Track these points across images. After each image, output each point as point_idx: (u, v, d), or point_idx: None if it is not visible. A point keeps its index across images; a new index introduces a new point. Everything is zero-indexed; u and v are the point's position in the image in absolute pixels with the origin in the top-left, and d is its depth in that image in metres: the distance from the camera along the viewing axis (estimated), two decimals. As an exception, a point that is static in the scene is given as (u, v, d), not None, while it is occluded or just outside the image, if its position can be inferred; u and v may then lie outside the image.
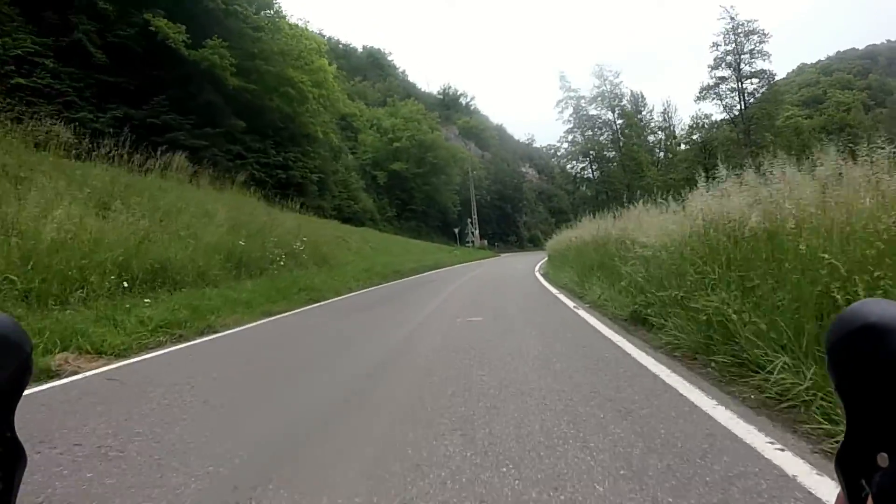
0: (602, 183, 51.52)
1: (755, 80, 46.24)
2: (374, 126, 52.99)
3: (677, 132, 58.17)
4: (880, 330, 0.45)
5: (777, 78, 49.89)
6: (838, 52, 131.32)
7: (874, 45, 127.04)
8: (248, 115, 28.06)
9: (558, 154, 61.20)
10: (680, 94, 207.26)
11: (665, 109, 59.49)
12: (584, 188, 57.56)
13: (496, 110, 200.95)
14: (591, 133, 54.99)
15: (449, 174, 54.26)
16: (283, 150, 30.97)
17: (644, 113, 61.46)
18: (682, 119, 76.83)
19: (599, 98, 56.32)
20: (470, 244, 51.24)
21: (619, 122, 55.67)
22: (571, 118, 56.63)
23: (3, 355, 0.51)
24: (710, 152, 51.82)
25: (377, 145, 50.95)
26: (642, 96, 61.69)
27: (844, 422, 0.49)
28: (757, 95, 47.19)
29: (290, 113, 31.62)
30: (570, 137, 56.91)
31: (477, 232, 50.63)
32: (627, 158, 53.02)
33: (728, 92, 48.95)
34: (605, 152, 52.37)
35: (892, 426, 0.44)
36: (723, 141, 50.89)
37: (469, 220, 42.44)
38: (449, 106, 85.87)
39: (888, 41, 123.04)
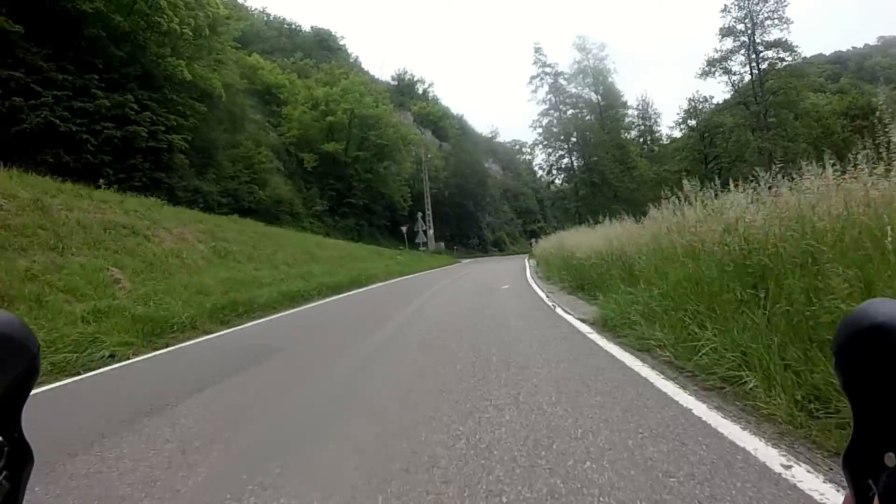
0: (589, 172, 41.61)
1: (772, 53, 37.30)
2: (303, 97, 41.77)
3: (657, 128, 49.52)
4: (888, 330, 0.45)
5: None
6: (804, 58, 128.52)
7: (840, 51, 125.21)
8: (37, 18, 16.66)
9: (526, 150, 51.32)
10: (659, 97, 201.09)
11: (641, 104, 50.33)
12: (559, 182, 47.60)
13: (457, 102, 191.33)
14: (573, 112, 45.20)
15: (398, 161, 43.51)
16: (123, 94, 19.57)
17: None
18: (661, 114, 68.26)
19: (581, 75, 46.84)
20: (423, 247, 40.64)
21: (603, 103, 46.19)
22: (548, 98, 46.88)
23: (9, 356, 0.52)
24: (710, 140, 43.14)
25: (305, 119, 39.73)
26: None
27: (852, 422, 0.49)
28: (776, 69, 38.30)
29: (138, 40, 20.29)
30: (544, 121, 47.12)
31: (431, 232, 40.20)
32: (614, 146, 43.48)
33: (739, 67, 40.15)
34: (588, 135, 42.55)
35: None
36: (729, 127, 41.87)
37: (420, 214, 31.82)
38: (404, 92, 75.18)
39: (854, 48, 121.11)
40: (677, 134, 48.53)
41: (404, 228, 32.23)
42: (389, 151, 42.32)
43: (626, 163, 43.15)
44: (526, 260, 36.40)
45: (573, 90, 46.58)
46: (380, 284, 16.06)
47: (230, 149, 28.21)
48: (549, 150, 46.17)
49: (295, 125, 39.79)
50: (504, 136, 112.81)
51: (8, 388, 0.51)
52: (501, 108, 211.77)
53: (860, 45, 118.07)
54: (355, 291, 13.83)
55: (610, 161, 40.75)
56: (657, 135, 49.64)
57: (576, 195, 43.06)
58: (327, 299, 11.82)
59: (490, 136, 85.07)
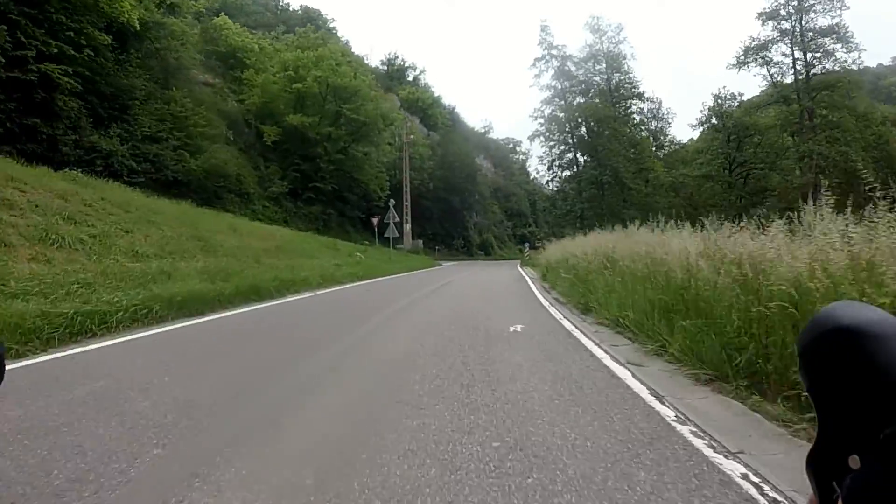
0: (600, 168, 35.91)
1: (826, 40, 32.00)
2: (274, 62, 35.71)
3: (668, 129, 44.12)
4: (852, 333, 0.46)
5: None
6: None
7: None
8: None
9: (520, 150, 45.53)
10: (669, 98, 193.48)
11: (654, 101, 44.66)
12: (559, 180, 41.88)
13: (450, 94, 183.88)
14: (581, 101, 39.60)
15: (377, 143, 37.61)
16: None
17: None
18: (676, 114, 63.07)
19: (592, 60, 41.27)
20: (399, 245, 34.80)
21: (616, 93, 40.69)
22: (552, 85, 41.27)
23: None
24: (739, 142, 37.76)
25: (271, 88, 33.71)
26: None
27: (817, 424, 0.50)
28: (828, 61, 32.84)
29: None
30: (547, 110, 41.49)
31: (409, 227, 34.39)
32: (628, 143, 37.99)
33: (781, 57, 34.78)
34: (596, 127, 36.85)
35: (864, 429, 0.45)
36: (763, 128, 36.42)
37: (392, 202, 25.91)
38: (393, 77, 69.30)
39: (867, 66, 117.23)
40: (693, 135, 43.55)
41: (375, 220, 26.49)
42: (367, 132, 36.43)
43: (640, 163, 37.71)
44: (519, 268, 30.80)
45: (583, 77, 41.02)
46: (294, 298, 10.25)
47: (156, 104, 22.12)
48: (552, 142, 40.49)
49: (257, 92, 33.71)
50: (498, 134, 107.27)
51: None
52: (496, 105, 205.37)
53: (873, 64, 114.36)
54: (216, 316, 7.90)
55: (624, 159, 35.20)
56: (669, 137, 44.16)
57: (579, 196, 37.49)
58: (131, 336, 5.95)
59: (483, 130, 79.46)
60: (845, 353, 0.45)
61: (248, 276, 10.15)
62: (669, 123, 44.87)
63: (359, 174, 37.65)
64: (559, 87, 41.34)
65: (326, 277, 13.33)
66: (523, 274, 21.09)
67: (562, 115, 38.88)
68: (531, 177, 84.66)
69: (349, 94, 35.08)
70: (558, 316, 7.81)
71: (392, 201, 24.50)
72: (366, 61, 64.74)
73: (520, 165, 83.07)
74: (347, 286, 13.21)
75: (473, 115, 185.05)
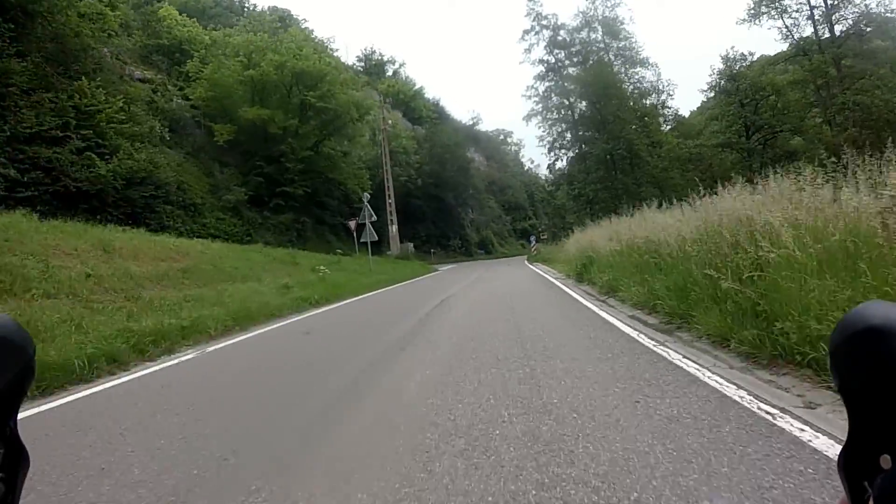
0: (614, 141, 30.73)
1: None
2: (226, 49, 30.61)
3: (671, 101, 39.19)
4: (884, 332, 0.46)
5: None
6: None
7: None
8: None
9: (511, 141, 40.59)
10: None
11: (654, 71, 39.48)
12: (563, 162, 36.84)
13: (434, 89, 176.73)
14: (576, 71, 34.59)
15: (351, 136, 32.55)
16: None
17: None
18: (677, 85, 58.14)
19: (587, 28, 36.33)
20: (388, 251, 29.74)
21: (617, 60, 35.70)
22: (546, 59, 36.33)
23: (6, 358, 0.52)
24: (755, 105, 33.09)
25: (220, 79, 28.64)
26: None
27: (848, 424, 0.50)
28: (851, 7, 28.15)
29: None
30: (541, 87, 36.54)
31: (395, 228, 29.23)
32: (636, 114, 33.06)
33: (801, 4, 29.98)
34: (607, 98, 31.71)
35: (895, 428, 0.45)
36: (780, 87, 31.95)
37: (366, 198, 20.52)
38: (371, 73, 64.30)
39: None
40: (695, 107, 38.63)
41: (352, 224, 21.40)
42: (340, 124, 31.38)
43: (651, 136, 32.78)
44: (528, 264, 25.78)
45: (578, 46, 36.01)
46: (116, 381, 5.15)
47: (48, 94, 17.07)
48: (550, 121, 35.49)
49: (203, 84, 28.60)
50: (486, 127, 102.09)
51: (4, 390, 0.51)
52: (483, 99, 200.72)
53: None
54: None
55: (636, 130, 30.24)
56: (672, 109, 39.16)
57: (587, 177, 32.41)
58: None
59: (471, 122, 74.28)
60: (876, 353, 0.45)
61: (51, 337, 5.11)
62: (671, 95, 40.03)
63: (335, 174, 32.63)
64: (553, 60, 36.43)
65: (253, 313, 8.33)
66: (542, 274, 16.16)
67: (567, 86, 33.81)
68: (526, 167, 79.90)
69: (314, 81, 30.00)
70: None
71: (367, 195, 19.18)
72: (341, 58, 60.05)
73: (513, 156, 78.23)
74: (280, 324, 8.17)
75: (460, 109, 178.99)
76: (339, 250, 24.97)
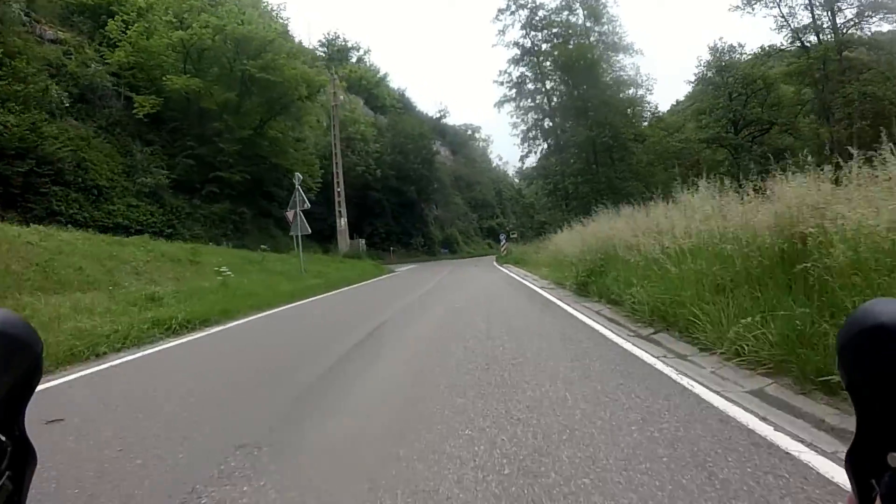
0: (598, 128, 27.56)
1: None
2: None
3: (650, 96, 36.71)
4: (892, 330, 0.45)
5: None
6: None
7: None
8: None
9: (480, 136, 37.20)
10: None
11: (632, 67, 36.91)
12: (542, 153, 33.65)
13: (401, 80, 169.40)
14: (556, 54, 31.38)
15: (298, 116, 28.58)
16: None
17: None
18: (656, 80, 55.92)
19: (567, 10, 33.22)
20: (338, 248, 25.95)
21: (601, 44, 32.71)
22: (520, 41, 33.10)
23: (14, 355, 0.51)
24: (745, 99, 30.85)
25: (145, 43, 24.29)
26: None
27: (856, 421, 0.49)
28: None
29: None
30: (515, 72, 33.30)
31: (344, 222, 25.28)
32: (617, 101, 30.19)
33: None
34: (588, 81, 28.60)
35: None
36: (772, 79, 29.91)
37: (297, 179, 16.42)
38: (333, 58, 60.02)
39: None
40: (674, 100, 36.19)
41: (290, 214, 17.58)
42: (287, 102, 27.39)
43: (635, 128, 29.96)
44: (498, 266, 22.55)
45: (557, 28, 32.84)
46: None
47: None
48: (523, 110, 32.23)
49: (125, 48, 24.18)
50: (454, 122, 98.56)
51: (12, 388, 0.51)
52: (451, 95, 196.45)
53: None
54: None
55: (621, 116, 27.27)
56: (651, 105, 36.53)
57: (563, 170, 29.27)
58: None
59: (439, 115, 70.63)
60: (884, 351, 0.45)
61: None
62: (650, 90, 37.52)
63: (281, 159, 28.59)
64: (529, 44, 33.21)
65: (64, 350, 4.55)
66: (520, 279, 12.89)
67: (533, 78, 30.62)
68: (494, 164, 77.02)
69: (257, 49, 25.94)
70: None
71: (299, 176, 15.05)
72: (304, 44, 55.60)
73: (481, 152, 75.17)
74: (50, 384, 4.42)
75: (427, 102, 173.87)
76: (265, 246, 21.04)
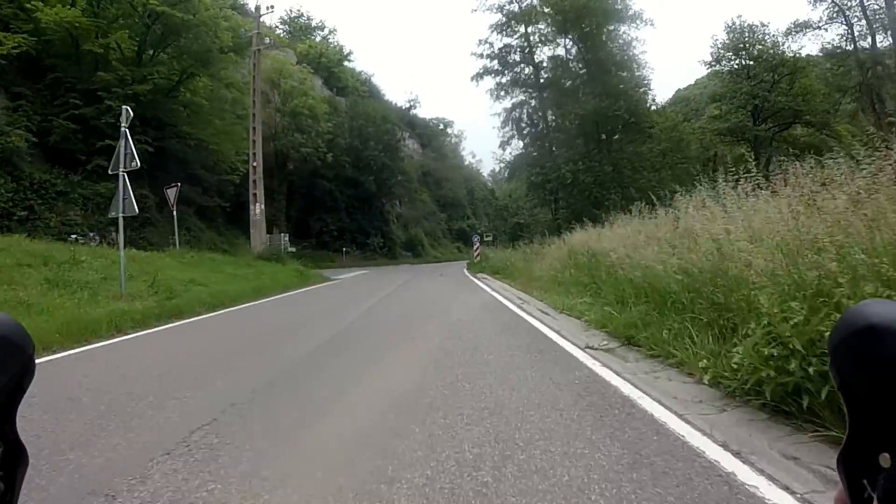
0: (608, 99, 21.96)
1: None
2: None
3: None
4: (883, 331, 0.46)
5: None
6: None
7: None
8: None
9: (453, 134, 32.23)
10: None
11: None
12: (528, 138, 28.19)
13: (367, 63, 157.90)
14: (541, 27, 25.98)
15: (217, 73, 22.31)
16: None
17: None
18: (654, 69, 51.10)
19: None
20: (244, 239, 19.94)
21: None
22: (505, 7, 27.62)
23: (5, 357, 0.52)
24: (771, 85, 26.26)
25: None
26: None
27: (847, 422, 0.49)
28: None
29: None
30: (499, 42, 27.85)
31: (260, 208, 19.07)
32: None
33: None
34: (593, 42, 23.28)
35: (895, 427, 0.45)
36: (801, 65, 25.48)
37: (123, 120, 10.30)
38: (295, 36, 53.73)
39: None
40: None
41: (172, 193, 11.53)
42: (202, 51, 21.17)
43: (635, 116, 24.89)
44: (470, 275, 17.24)
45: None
46: None
47: None
48: (505, 87, 26.73)
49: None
50: (424, 115, 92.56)
51: (3, 389, 0.51)
52: (422, 89, 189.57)
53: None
54: None
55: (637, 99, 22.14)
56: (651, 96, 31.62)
57: (554, 159, 23.82)
58: None
59: (408, 106, 64.72)
60: (875, 352, 0.45)
61: None
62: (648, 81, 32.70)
63: (196, 129, 22.38)
64: (516, 9, 27.81)
65: None
66: (514, 308, 7.42)
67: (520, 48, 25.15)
68: (467, 162, 71.95)
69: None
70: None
71: (126, 109, 8.66)
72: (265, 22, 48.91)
73: (452, 147, 69.76)
74: None
75: (396, 91, 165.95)
76: (76, 236, 15.04)
